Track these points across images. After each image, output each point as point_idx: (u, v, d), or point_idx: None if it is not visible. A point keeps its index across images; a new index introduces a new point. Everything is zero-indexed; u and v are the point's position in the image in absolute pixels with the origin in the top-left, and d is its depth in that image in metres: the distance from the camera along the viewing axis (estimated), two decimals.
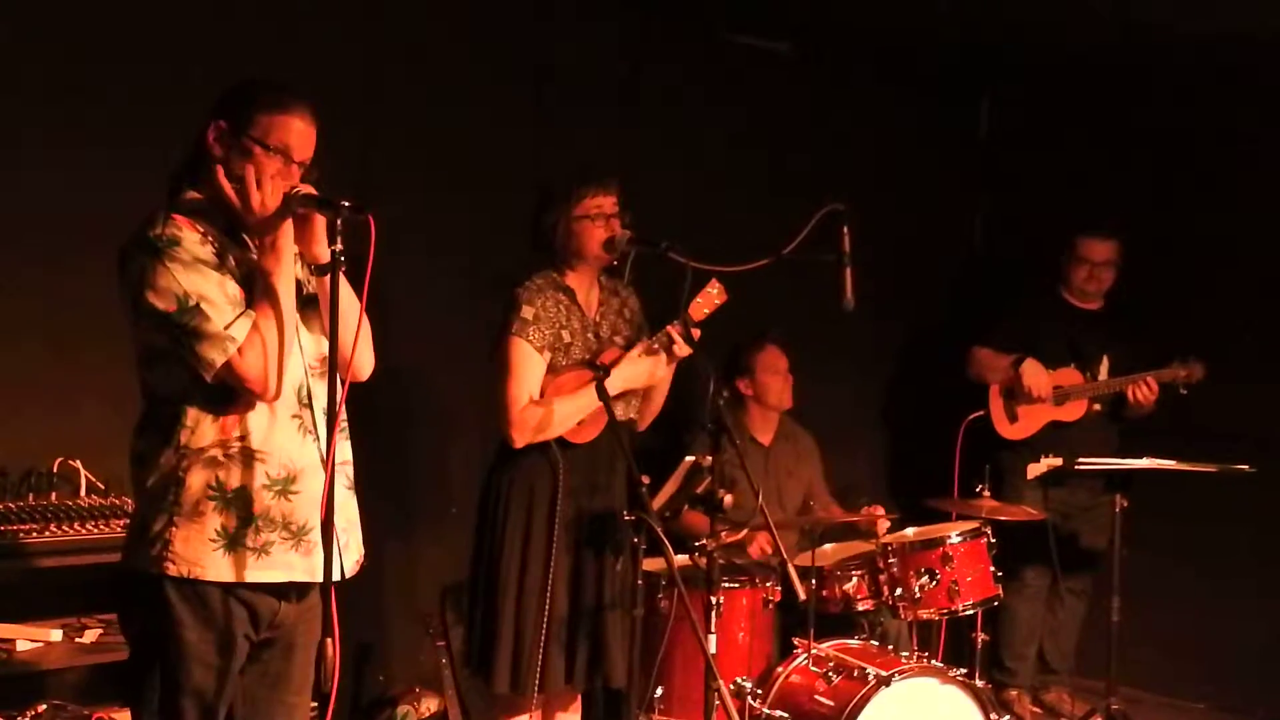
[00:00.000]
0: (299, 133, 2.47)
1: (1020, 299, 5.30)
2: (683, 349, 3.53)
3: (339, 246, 2.34)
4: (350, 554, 2.63)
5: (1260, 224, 5.16)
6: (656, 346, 3.58)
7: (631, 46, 4.94)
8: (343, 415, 2.62)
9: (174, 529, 2.43)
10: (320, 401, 2.52)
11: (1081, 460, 4.50)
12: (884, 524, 4.42)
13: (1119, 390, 4.93)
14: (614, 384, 3.45)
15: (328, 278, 2.40)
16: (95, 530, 3.41)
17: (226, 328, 2.38)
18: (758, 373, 4.65)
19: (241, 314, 2.41)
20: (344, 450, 2.64)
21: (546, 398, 3.50)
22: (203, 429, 2.45)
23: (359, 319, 2.43)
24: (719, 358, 4.03)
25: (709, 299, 3.59)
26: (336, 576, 2.49)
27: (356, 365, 2.59)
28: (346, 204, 2.35)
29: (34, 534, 3.32)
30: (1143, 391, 4.83)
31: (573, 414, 3.50)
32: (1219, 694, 5.23)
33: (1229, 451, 4.38)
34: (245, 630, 2.50)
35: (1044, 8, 4.81)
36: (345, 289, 2.43)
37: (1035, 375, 4.97)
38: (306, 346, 2.55)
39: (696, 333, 3.55)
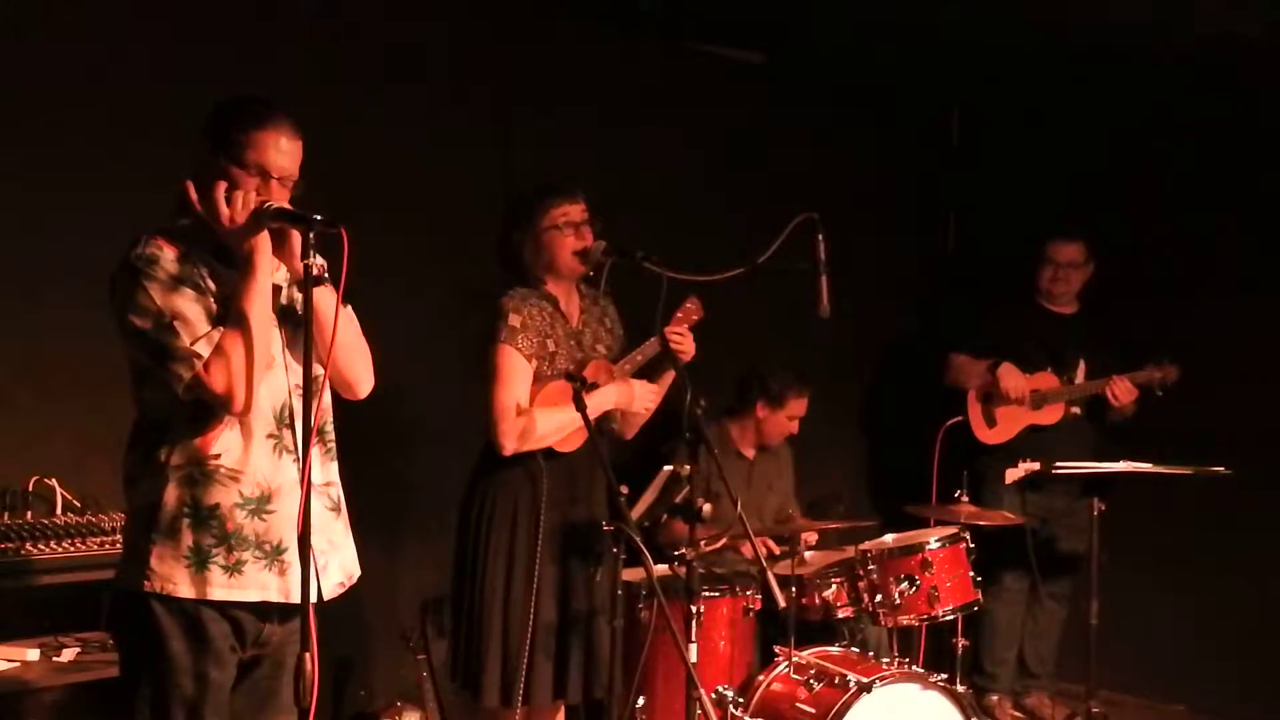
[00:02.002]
0: (279, 150, 2.48)
1: (995, 304, 5.33)
2: (677, 362, 3.53)
3: (311, 260, 2.34)
4: (331, 576, 2.61)
5: (1232, 226, 5.21)
6: (640, 358, 3.60)
7: (602, 57, 4.95)
8: (330, 436, 2.64)
9: (152, 546, 2.45)
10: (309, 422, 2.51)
11: (1059, 464, 4.52)
12: (810, 539, 4.41)
13: (1096, 393, 4.96)
14: (590, 405, 3.43)
15: (321, 294, 2.40)
16: (72, 548, 3.39)
17: (194, 343, 2.40)
18: (784, 411, 4.67)
19: (208, 332, 2.42)
20: (329, 472, 2.64)
21: (534, 407, 3.50)
22: (180, 447, 2.46)
23: (334, 331, 2.41)
24: (718, 371, 4.05)
25: (687, 315, 3.60)
26: (313, 598, 2.49)
27: (351, 378, 2.62)
28: (318, 218, 2.35)
29: (9, 553, 3.30)
30: (1121, 393, 4.86)
31: (563, 426, 3.49)
32: (1197, 697, 5.26)
33: (1206, 454, 4.41)
34: (230, 643, 2.51)
35: (1015, 16, 4.84)
36: (330, 303, 2.43)
37: (1012, 379, 5.00)
38: (294, 367, 2.54)
39: (686, 355, 3.55)
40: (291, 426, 2.53)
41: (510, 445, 3.46)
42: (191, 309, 2.42)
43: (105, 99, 3.79)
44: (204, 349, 2.40)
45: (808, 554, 4.30)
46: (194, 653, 2.46)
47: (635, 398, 3.61)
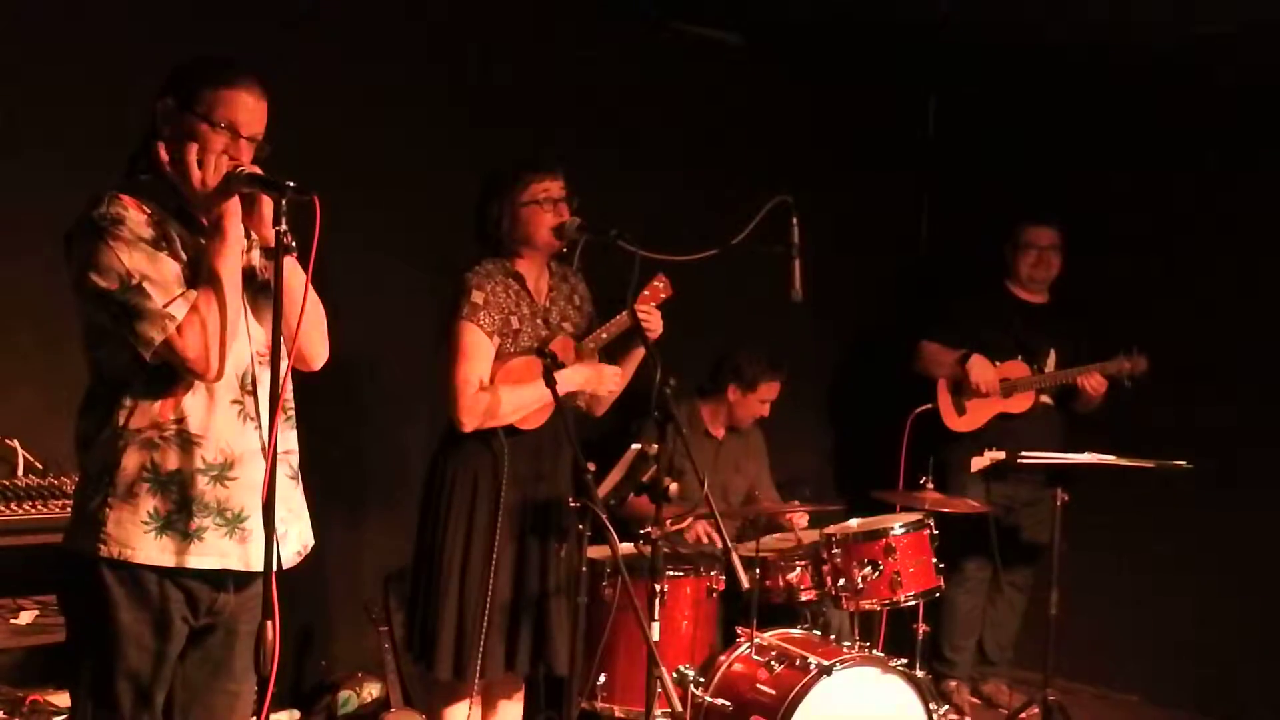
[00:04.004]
0: (247, 108, 2.44)
1: (966, 293, 5.34)
2: (647, 338, 3.53)
3: (283, 227, 2.31)
4: (290, 544, 2.59)
5: (1203, 221, 5.24)
6: (606, 335, 3.59)
7: (578, 34, 4.93)
8: (290, 404, 2.61)
9: (108, 510, 2.41)
10: (266, 389, 2.48)
11: (1024, 454, 4.56)
12: (800, 521, 4.45)
13: (1065, 383, 4.99)
14: (561, 386, 3.43)
15: (288, 263, 2.37)
16: (33, 510, 3.37)
17: (166, 306, 2.36)
18: (755, 395, 4.68)
19: (182, 293, 2.39)
20: (289, 440, 2.62)
21: (495, 384, 3.48)
22: (141, 410, 2.42)
23: (303, 303, 2.39)
24: (689, 351, 4.05)
25: (655, 292, 3.60)
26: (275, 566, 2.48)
27: (307, 353, 2.58)
28: (291, 184, 2.32)
29: None
30: (1093, 384, 4.90)
31: (524, 403, 3.49)
32: (1152, 687, 5.32)
33: (1168, 448, 4.44)
34: (183, 613, 2.47)
35: (992, 7, 4.85)
36: (298, 274, 2.40)
37: (982, 371, 5.01)
38: (255, 334, 2.51)
39: (654, 332, 3.54)
40: (254, 393, 2.50)
41: (469, 422, 3.45)
42: (162, 271, 2.38)
43: (66, 58, 3.74)
44: (179, 310, 2.36)
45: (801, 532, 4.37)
46: (143, 623, 2.43)
47: (602, 380, 3.61)
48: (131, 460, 2.41)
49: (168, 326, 2.35)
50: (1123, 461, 4.44)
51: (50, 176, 3.62)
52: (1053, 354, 5.09)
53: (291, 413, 2.63)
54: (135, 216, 2.39)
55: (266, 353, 2.48)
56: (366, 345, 4.17)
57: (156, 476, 2.42)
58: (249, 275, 2.53)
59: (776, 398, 4.76)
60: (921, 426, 4.75)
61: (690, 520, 4.34)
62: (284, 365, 2.39)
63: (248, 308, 2.51)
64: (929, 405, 4.94)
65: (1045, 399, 5.08)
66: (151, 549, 2.41)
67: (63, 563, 2.50)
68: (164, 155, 2.43)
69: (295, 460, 2.64)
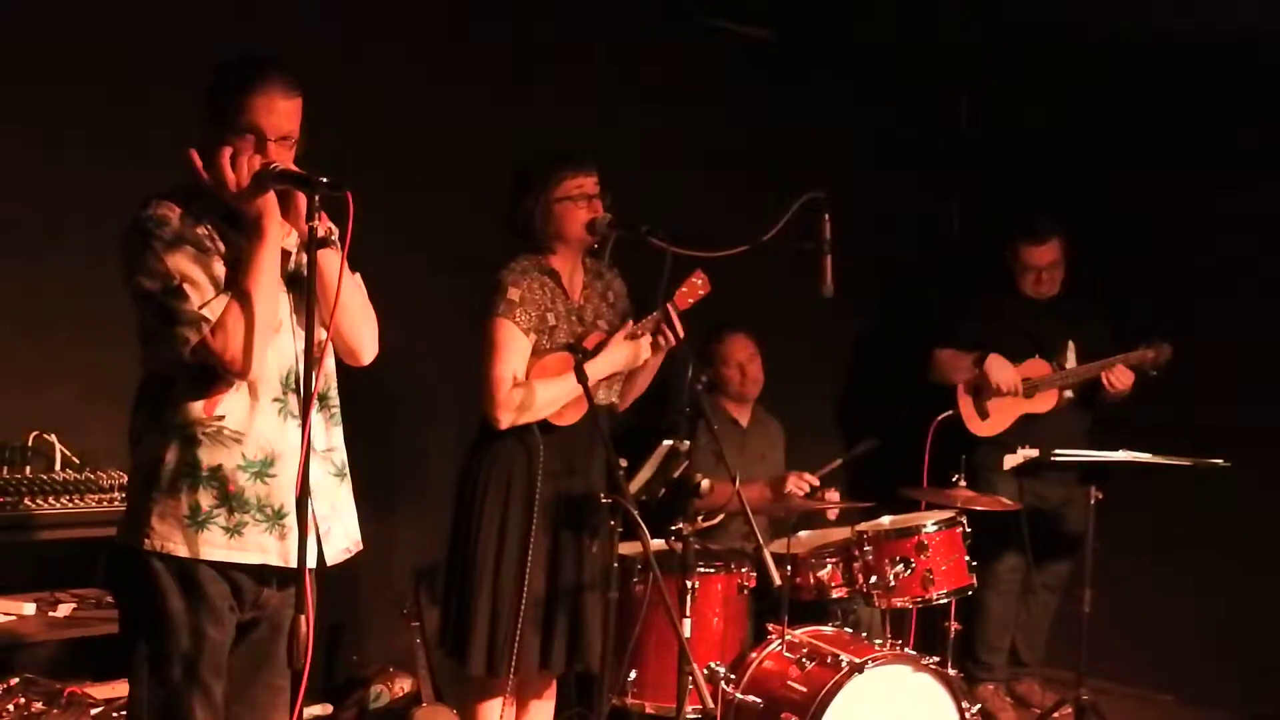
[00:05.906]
0: (273, 111, 2.45)
1: (976, 297, 5.25)
2: (668, 339, 3.53)
3: (316, 222, 2.33)
4: (335, 542, 2.62)
5: (1227, 216, 5.18)
6: (640, 332, 3.59)
7: (611, 30, 4.93)
8: (334, 401, 2.65)
9: (152, 505, 2.46)
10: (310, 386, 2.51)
11: (1058, 451, 4.51)
12: (833, 497, 4.44)
13: (1088, 377, 4.92)
14: (594, 371, 3.43)
15: (326, 257, 2.40)
16: (70, 504, 3.40)
17: (201, 307, 2.40)
18: (716, 364, 4.68)
19: (218, 294, 2.42)
20: (333, 437, 2.65)
21: (530, 380, 3.49)
22: (185, 408, 2.47)
23: (336, 295, 2.41)
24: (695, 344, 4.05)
25: (693, 289, 3.59)
26: (315, 563, 2.50)
27: (356, 345, 2.62)
28: (324, 179, 2.34)
29: (7, 508, 3.31)
30: (1118, 379, 4.83)
31: (559, 398, 3.49)
32: (1186, 686, 5.27)
33: (1203, 446, 4.40)
34: (229, 604, 2.52)
35: (1027, 5, 4.82)
36: (338, 266, 2.42)
37: (1001, 370, 4.91)
38: (300, 331, 2.52)
39: (683, 329, 3.54)
40: (298, 391, 2.52)
41: (505, 419, 3.46)
42: (200, 272, 2.42)
43: (106, 59, 3.78)
44: (213, 311, 2.40)
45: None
46: (192, 610, 2.48)
47: (638, 354, 3.58)
48: (174, 456, 2.46)
49: (202, 328, 2.40)
50: (1159, 460, 4.39)
51: (86, 177, 3.66)
52: (1071, 346, 4.99)
53: (336, 410, 2.66)
54: (179, 218, 2.44)
55: (314, 352, 2.50)
56: (400, 342, 4.16)
57: (197, 472, 2.46)
58: (296, 275, 2.55)
59: (751, 352, 4.67)
60: (945, 433, 4.67)
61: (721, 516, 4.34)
62: (328, 361, 2.43)
63: (292, 306, 2.54)
64: (949, 413, 4.83)
65: (1069, 394, 4.99)
66: (192, 543, 2.46)
67: (114, 555, 2.57)
68: (198, 161, 2.46)
69: (340, 458, 2.66)
